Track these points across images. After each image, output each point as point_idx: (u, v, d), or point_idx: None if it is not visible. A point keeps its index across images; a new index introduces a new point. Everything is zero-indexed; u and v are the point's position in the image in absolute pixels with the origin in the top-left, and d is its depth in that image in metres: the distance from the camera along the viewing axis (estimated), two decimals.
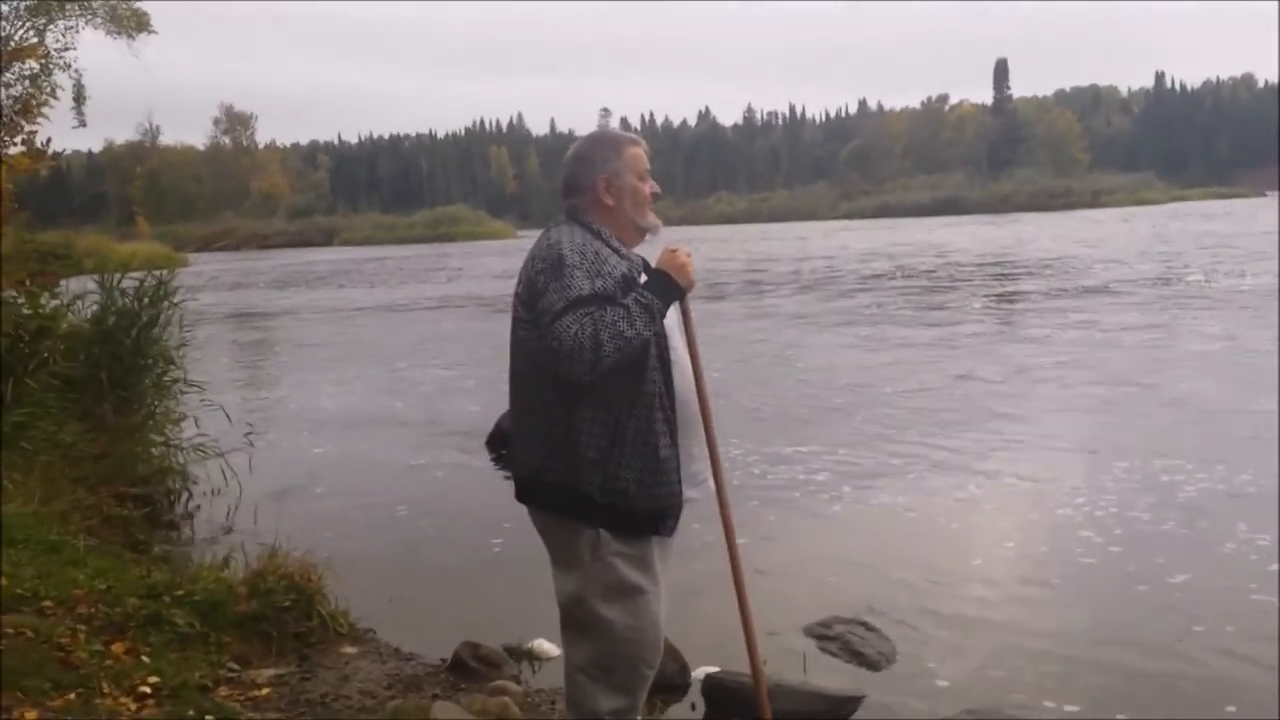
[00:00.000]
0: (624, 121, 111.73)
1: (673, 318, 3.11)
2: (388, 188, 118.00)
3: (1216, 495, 7.26)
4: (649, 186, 3.21)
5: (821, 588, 5.84)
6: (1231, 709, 4.32)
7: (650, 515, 3.03)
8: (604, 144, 3.21)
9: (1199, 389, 10.97)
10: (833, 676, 4.67)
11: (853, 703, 4.38)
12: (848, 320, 18.58)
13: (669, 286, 3.04)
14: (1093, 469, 8.15)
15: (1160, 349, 13.76)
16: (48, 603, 4.78)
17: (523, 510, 3.27)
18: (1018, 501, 7.45)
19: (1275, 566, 5.80)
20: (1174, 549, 6.24)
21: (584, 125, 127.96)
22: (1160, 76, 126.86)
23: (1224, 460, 8.03)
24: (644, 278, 3.06)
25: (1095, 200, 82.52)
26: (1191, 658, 4.82)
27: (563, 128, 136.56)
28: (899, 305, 20.67)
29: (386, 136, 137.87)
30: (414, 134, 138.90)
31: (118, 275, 8.78)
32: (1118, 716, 4.29)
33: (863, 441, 9.31)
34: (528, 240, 3.53)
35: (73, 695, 3.89)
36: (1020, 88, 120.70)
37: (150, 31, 16.01)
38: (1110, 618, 5.32)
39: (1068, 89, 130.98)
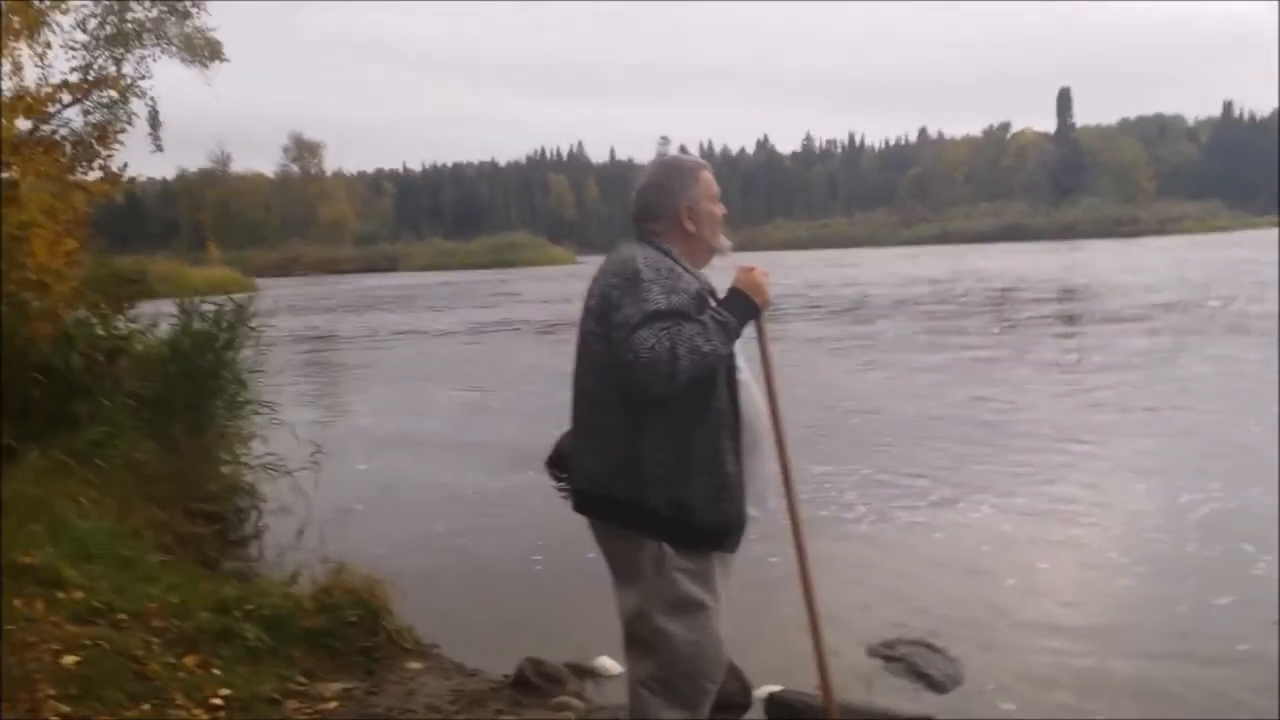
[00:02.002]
0: (682, 149, 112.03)
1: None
2: (450, 214, 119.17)
3: (1243, 517, 7.27)
4: (720, 209, 3.27)
5: (878, 608, 5.82)
6: None
7: (715, 531, 3.05)
8: (682, 172, 3.25)
9: (1195, 412, 11.11)
10: (898, 697, 4.65)
11: None
12: (870, 344, 18.80)
13: (745, 305, 3.07)
14: (1116, 491, 8.22)
15: (1164, 372, 13.94)
16: (122, 616, 4.88)
17: (584, 528, 3.30)
18: (1053, 523, 7.43)
19: None
20: (1207, 570, 6.25)
21: (643, 153, 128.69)
22: (1228, 105, 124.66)
23: (1230, 480, 8.17)
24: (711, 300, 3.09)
25: (1162, 228, 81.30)
26: (1253, 673, 4.79)
27: (622, 155, 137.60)
28: (923, 330, 20.90)
29: (449, 164, 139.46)
30: (476, 162, 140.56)
31: (196, 299, 9.02)
32: None
33: (884, 462, 9.39)
34: (587, 266, 3.57)
35: (147, 706, 3.98)
36: (1084, 116, 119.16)
37: (223, 60, 16.35)
38: (1161, 638, 5.31)
39: (1132, 117, 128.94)
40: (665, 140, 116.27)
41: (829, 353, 17.69)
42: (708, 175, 3.26)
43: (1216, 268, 35.56)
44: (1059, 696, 4.68)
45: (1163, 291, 26.86)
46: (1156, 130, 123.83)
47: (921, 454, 9.67)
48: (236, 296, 9.61)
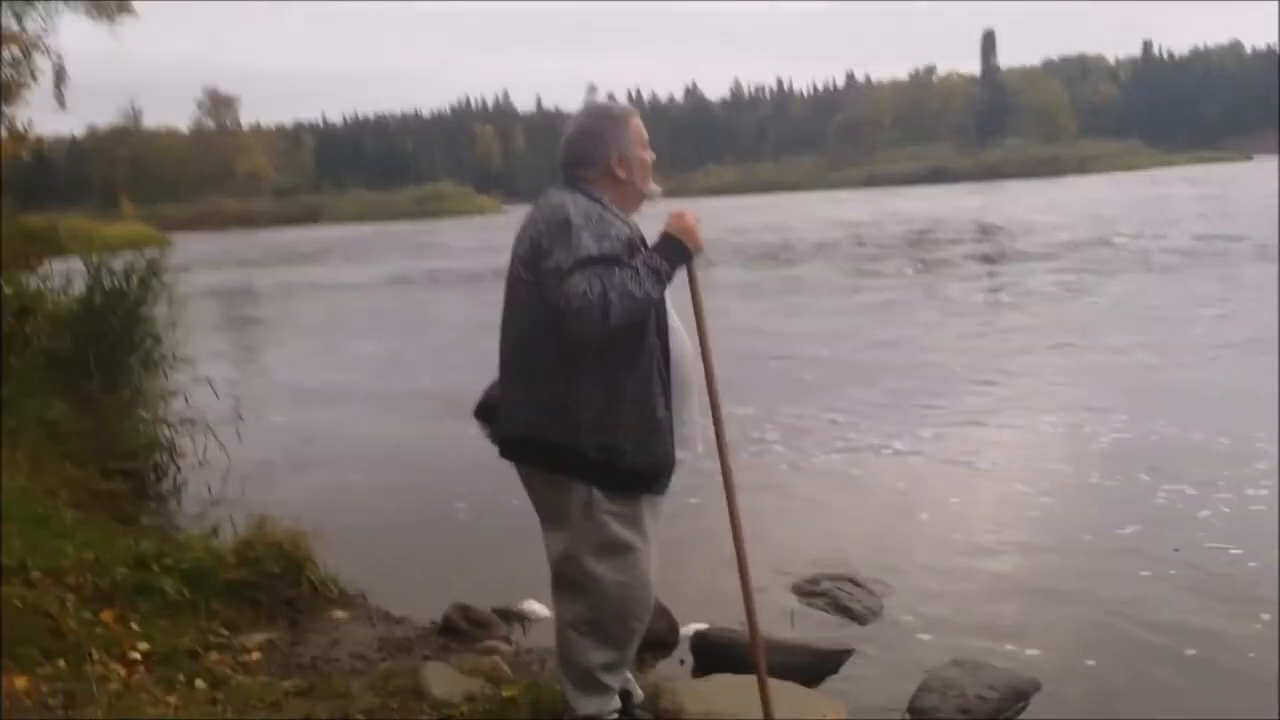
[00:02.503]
0: (610, 96, 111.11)
1: None
2: (374, 167, 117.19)
3: (1142, 447, 7.52)
4: (649, 155, 3.25)
5: (798, 547, 5.87)
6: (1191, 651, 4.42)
7: (644, 474, 3.07)
8: (613, 118, 3.23)
9: (1096, 348, 11.46)
10: (821, 631, 4.71)
11: (841, 656, 4.42)
12: (787, 289, 19.16)
13: (678, 250, 3.06)
14: (1021, 426, 8.43)
15: (1065, 309, 14.35)
16: (36, 574, 4.76)
17: (509, 475, 3.28)
18: (962, 458, 7.59)
19: (1205, 513, 6.01)
20: (1112, 501, 6.42)
21: (570, 102, 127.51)
22: (1148, 45, 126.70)
23: (1131, 412, 8.45)
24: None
25: (1083, 167, 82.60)
26: (1155, 599, 4.94)
27: (549, 104, 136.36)
28: (839, 273, 21.30)
29: (372, 116, 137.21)
30: (399, 113, 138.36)
31: (101, 255, 8.81)
32: (1087, 661, 4.37)
33: (802, 406, 9.50)
34: (515, 215, 3.54)
35: (62, 663, 3.89)
36: (1008, 58, 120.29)
37: (131, 14, 15.92)
38: (1074, 565, 5.45)
39: (1055, 59, 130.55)
40: (593, 88, 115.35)
41: (747, 297, 17.81)
42: (637, 122, 3.24)
43: (1128, 206, 36.48)
44: (974, 630, 4.75)
45: (1072, 230, 27.54)
46: (1079, 70, 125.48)
47: (837, 396, 9.84)
48: (150, 252, 9.40)
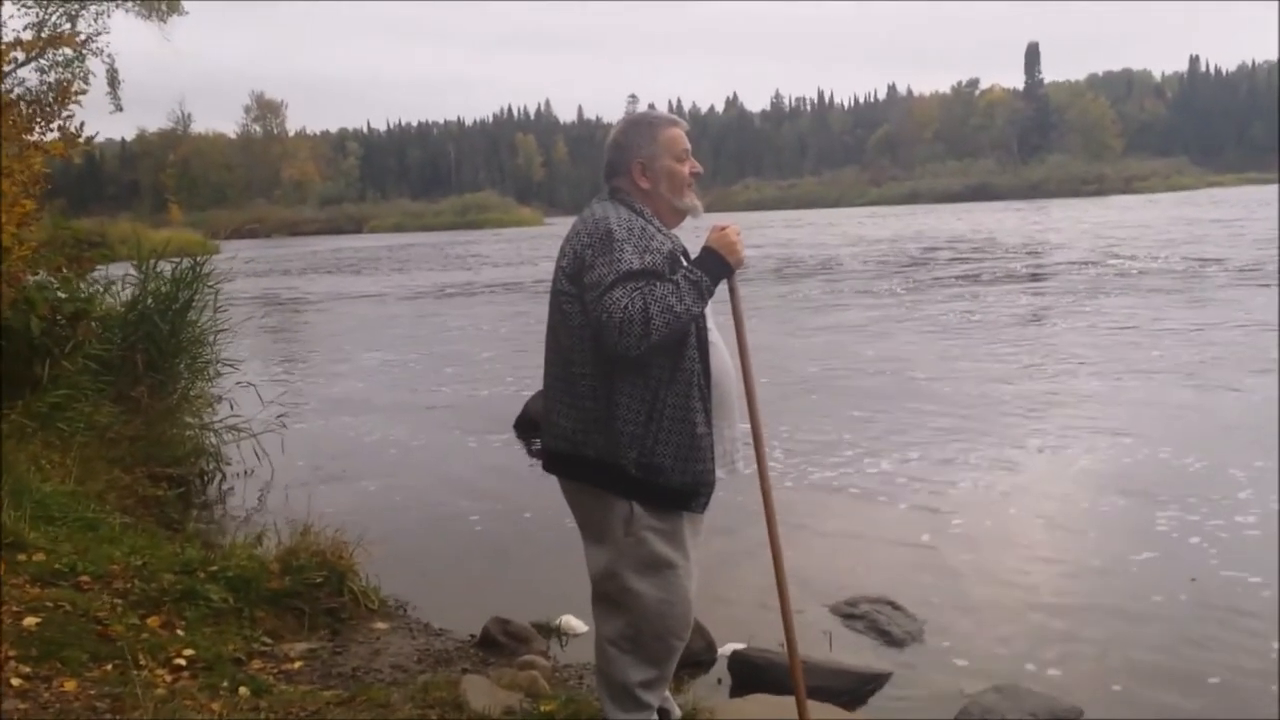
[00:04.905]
0: (650, 107, 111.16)
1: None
2: (416, 175, 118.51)
3: (1128, 471, 7.51)
4: (689, 166, 3.21)
5: (842, 568, 5.85)
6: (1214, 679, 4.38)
7: (684, 492, 3.05)
8: (640, 128, 3.21)
9: (1073, 366, 11.64)
10: (859, 654, 4.68)
11: (879, 679, 4.40)
12: (781, 305, 19.11)
13: (719, 264, 3.05)
14: (1012, 451, 8.34)
15: (1034, 333, 14.44)
16: (85, 578, 4.85)
17: (551, 490, 3.29)
18: (957, 478, 7.57)
19: (1196, 538, 6.02)
20: (1116, 528, 6.37)
21: (612, 112, 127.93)
22: (1194, 60, 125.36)
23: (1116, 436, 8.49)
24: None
25: (1128, 186, 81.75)
26: (1175, 626, 4.92)
27: (590, 115, 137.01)
28: (834, 291, 21.44)
29: (415, 124, 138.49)
30: (442, 121, 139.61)
31: (153, 260, 8.92)
32: (1113, 686, 4.36)
33: (795, 421, 9.50)
34: (556, 227, 3.55)
35: (110, 667, 3.96)
36: (1052, 72, 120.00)
37: (181, 14, 16.15)
38: (1093, 591, 5.43)
39: (1100, 73, 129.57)
40: (634, 99, 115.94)
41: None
42: (672, 132, 3.20)
43: (1142, 228, 36.54)
44: (1015, 649, 4.74)
45: (1070, 250, 28.24)
46: (1124, 86, 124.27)
47: (824, 413, 9.89)
48: (198, 259, 9.51)
